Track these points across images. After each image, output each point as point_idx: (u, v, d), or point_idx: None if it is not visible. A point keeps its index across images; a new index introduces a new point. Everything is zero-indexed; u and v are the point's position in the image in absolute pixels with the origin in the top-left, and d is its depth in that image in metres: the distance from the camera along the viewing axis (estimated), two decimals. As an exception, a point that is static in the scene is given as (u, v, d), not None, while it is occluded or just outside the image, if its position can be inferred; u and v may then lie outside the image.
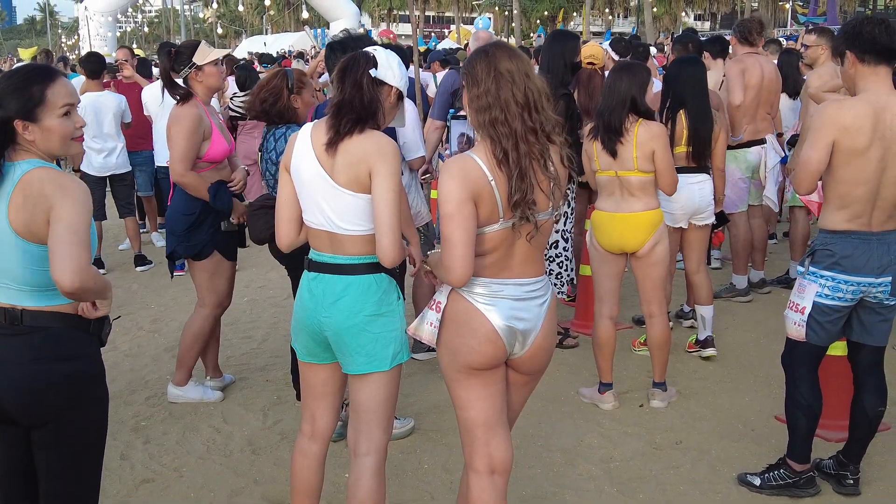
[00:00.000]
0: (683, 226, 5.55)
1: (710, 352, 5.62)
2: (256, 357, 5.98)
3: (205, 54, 4.87)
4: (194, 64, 4.85)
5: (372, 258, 3.00)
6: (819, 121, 3.64)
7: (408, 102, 5.21)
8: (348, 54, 3.16)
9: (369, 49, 3.18)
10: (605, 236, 4.76)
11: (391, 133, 3.27)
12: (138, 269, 8.45)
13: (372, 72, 3.04)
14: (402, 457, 4.33)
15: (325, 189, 2.99)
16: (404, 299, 3.17)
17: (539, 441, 4.50)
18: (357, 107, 2.98)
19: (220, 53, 4.96)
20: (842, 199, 3.65)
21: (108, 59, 9.74)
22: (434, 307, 2.96)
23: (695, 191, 5.46)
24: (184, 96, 4.83)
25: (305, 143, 3.05)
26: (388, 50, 3.27)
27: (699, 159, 5.49)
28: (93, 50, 9.76)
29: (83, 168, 8.32)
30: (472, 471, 3.02)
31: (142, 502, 4.05)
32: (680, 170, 5.36)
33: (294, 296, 4.72)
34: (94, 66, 8.33)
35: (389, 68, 3.12)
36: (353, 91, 2.99)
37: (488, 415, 2.96)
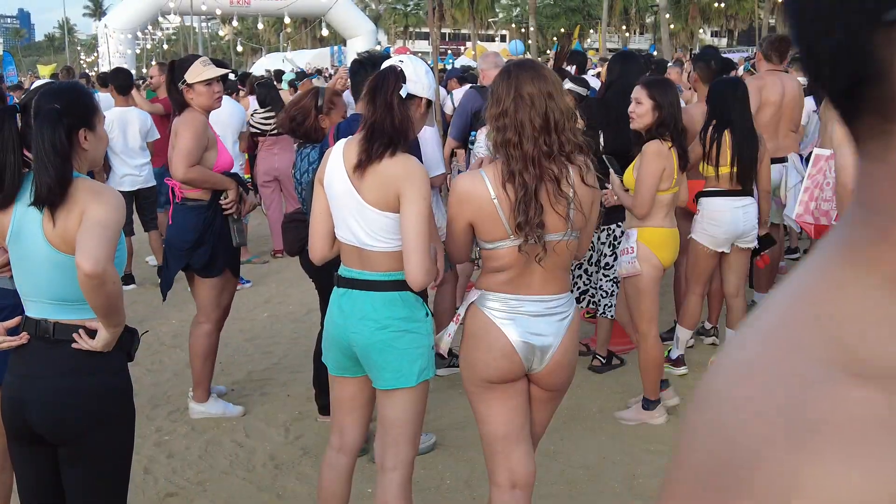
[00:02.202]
0: (725, 250, 5.39)
1: None
2: (278, 372, 6.00)
3: (196, 73, 4.84)
4: (185, 80, 4.85)
5: (399, 275, 3.01)
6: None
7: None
8: (377, 71, 3.16)
9: (396, 62, 3.18)
10: (669, 253, 4.73)
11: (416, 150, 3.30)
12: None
13: (402, 88, 3.05)
14: (425, 472, 4.33)
15: (354, 205, 3.02)
16: (432, 315, 3.18)
17: (561, 458, 4.50)
18: (388, 129, 2.97)
19: (214, 73, 4.89)
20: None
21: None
22: (455, 318, 3.02)
23: (739, 214, 5.30)
24: (181, 108, 4.89)
25: (338, 159, 3.07)
26: (415, 58, 3.28)
27: (745, 181, 5.32)
28: (121, 66, 9.88)
29: (111, 185, 8.40)
30: (494, 485, 3.06)
31: (166, 516, 4.08)
32: (724, 192, 5.30)
33: (321, 310, 4.77)
34: (122, 82, 8.41)
35: (419, 81, 3.12)
36: (385, 112, 2.98)
37: (509, 429, 2.99)
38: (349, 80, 4.58)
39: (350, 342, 3.09)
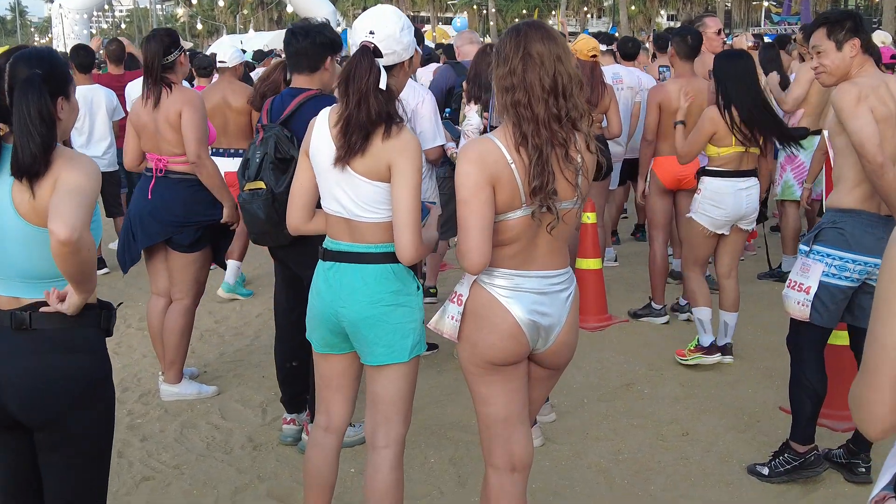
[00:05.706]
0: (725, 232, 5.20)
1: (728, 359, 5.33)
2: (250, 354, 5.89)
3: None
4: (182, 48, 4.85)
5: (390, 246, 2.91)
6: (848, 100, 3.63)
7: (427, 92, 5.15)
8: (351, 56, 2.95)
9: (366, 36, 2.96)
10: None
11: None
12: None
13: (381, 79, 2.86)
14: (408, 452, 4.20)
15: (341, 176, 2.91)
16: (422, 288, 3.09)
17: (546, 434, 4.44)
18: (364, 122, 2.85)
19: (188, 44, 5.07)
20: (857, 177, 3.67)
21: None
22: (455, 300, 2.83)
23: (742, 197, 5.10)
24: (168, 84, 4.78)
25: (323, 128, 2.96)
26: (384, 19, 3.03)
27: (761, 159, 5.15)
28: (82, 43, 9.49)
29: None
30: (492, 467, 2.93)
31: (144, 500, 3.95)
32: (728, 174, 5.07)
33: (274, 301, 4.59)
34: (84, 60, 8.07)
35: (395, 49, 2.96)
36: (357, 106, 2.85)
37: (510, 411, 2.86)
38: (283, 52, 4.39)
39: (339, 317, 2.99)
